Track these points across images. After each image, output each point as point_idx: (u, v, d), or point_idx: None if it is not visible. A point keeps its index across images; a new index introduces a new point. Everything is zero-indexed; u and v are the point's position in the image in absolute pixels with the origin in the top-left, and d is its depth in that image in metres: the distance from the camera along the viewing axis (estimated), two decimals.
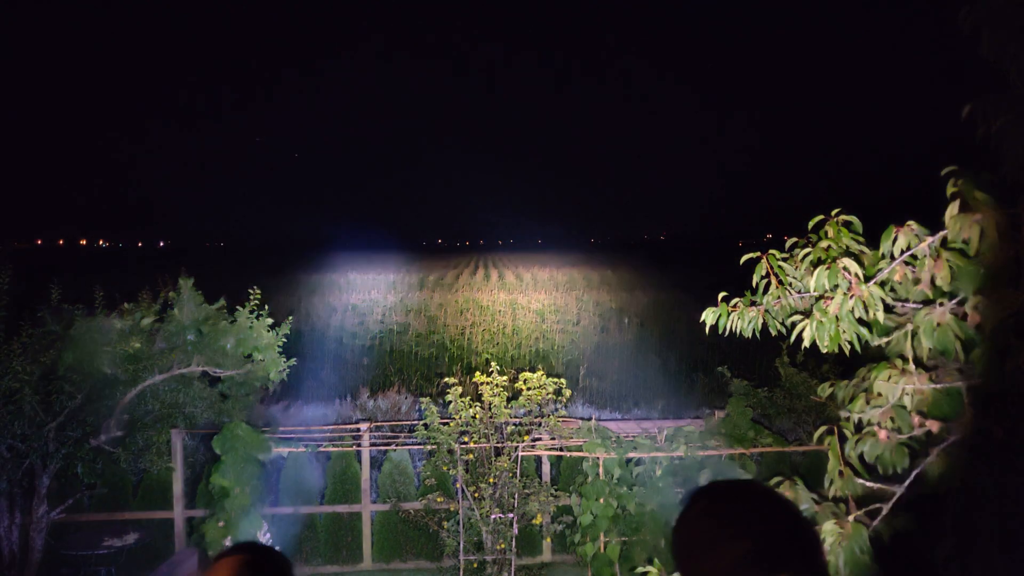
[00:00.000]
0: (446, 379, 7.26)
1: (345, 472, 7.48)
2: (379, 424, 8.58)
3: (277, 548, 1.61)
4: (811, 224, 3.02)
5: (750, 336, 3.13)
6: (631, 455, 6.49)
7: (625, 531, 6.35)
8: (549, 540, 7.26)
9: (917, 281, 2.83)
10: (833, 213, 2.99)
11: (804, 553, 1.16)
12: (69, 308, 6.98)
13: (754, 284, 3.12)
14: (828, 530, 2.81)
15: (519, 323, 21.49)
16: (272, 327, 7.78)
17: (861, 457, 2.91)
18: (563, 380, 6.94)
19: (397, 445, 7.64)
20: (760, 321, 3.07)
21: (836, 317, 2.80)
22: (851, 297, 2.77)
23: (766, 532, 1.17)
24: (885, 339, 3.08)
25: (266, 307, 7.81)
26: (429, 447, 6.85)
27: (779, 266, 3.07)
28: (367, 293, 28.77)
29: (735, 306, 3.18)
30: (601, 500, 6.25)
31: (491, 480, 6.74)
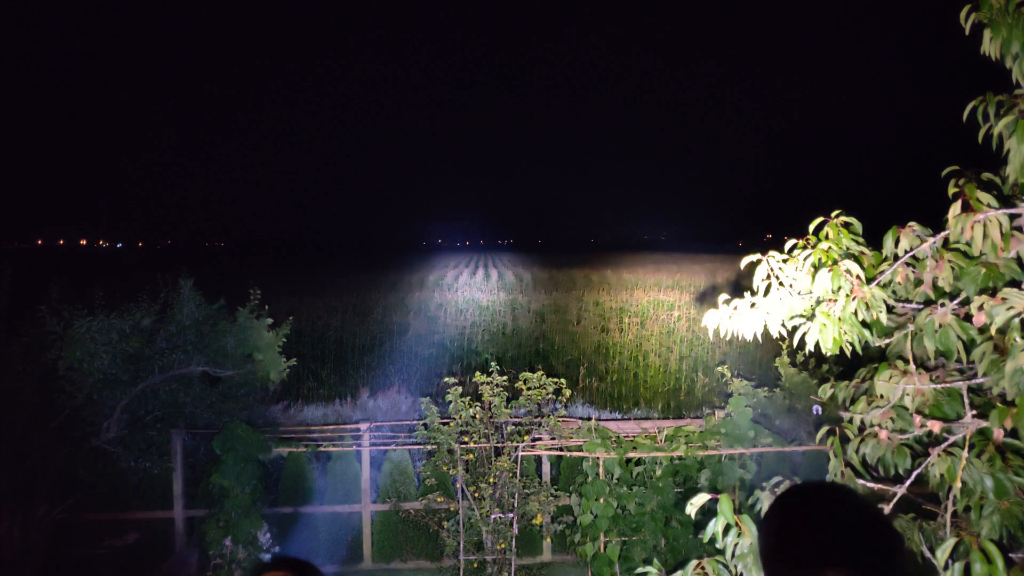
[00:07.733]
0: (446, 379, 7.25)
1: (345, 472, 7.49)
2: (379, 424, 8.57)
3: (310, 561, 1.57)
4: (811, 226, 3.01)
5: (751, 339, 3.12)
6: (631, 455, 6.49)
7: (625, 531, 6.35)
8: (549, 540, 7.25)
9: (919, 282, 2.83)
10: (833, 215, 2.99)
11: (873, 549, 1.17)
12: (69, 308, 6.98)
13: (755, 286, 3.11)
14: None
15: (519, 323, 21.50)
16: (271, 327, 7.77)
17: (862, 458, 2.91)
18: (563, 380, 6.94)
19: (397, 445, 7.64)
20: (761, 323, 3.06)
21: (839, 319, 2.80)
22: (853, 299, 2.77)
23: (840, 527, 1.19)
24: (886, 340, 3.08)
25: (266, 307, 7.80)
26: (429, 447, 6.85)
27: (780, 268, 3.06)
28: (367, 293, 28.78)
29: (736, 308, 3.17)
30: (601, 500, 6.25)
31: (491, 480, 6.73)
